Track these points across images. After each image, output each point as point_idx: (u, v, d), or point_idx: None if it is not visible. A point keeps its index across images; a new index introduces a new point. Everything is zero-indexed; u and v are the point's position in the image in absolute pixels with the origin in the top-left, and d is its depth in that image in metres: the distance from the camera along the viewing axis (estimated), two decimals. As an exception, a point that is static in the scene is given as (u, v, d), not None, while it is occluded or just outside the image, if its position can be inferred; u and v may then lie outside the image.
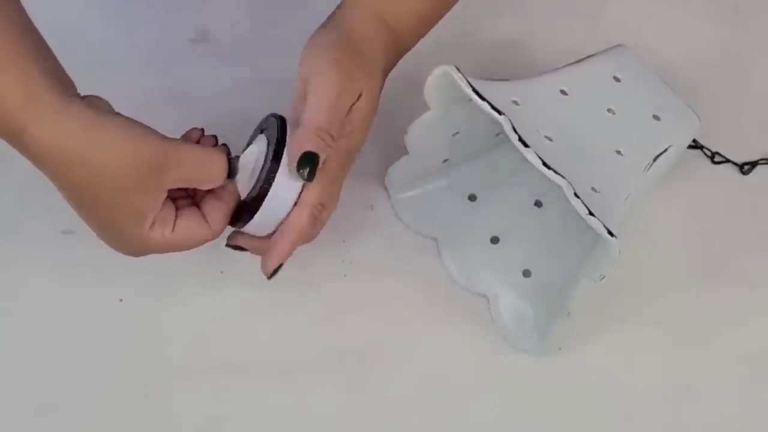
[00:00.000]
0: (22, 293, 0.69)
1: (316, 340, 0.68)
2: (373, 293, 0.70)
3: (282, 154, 0.61)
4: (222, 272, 0.70)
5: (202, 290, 0.70)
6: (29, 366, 0.67)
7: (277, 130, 0.62)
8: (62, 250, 0.71)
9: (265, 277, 0.68)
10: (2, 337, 0.68)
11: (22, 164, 0.73)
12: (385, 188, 0.73)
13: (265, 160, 0.61)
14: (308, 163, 0.60)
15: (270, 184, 0.61)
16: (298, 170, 0.60)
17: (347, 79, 0.62)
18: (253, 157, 0.63)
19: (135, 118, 0.73)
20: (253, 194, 0.61)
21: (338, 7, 0.68)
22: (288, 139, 0.61)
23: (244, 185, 0.63)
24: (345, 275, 0.70)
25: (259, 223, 0.63)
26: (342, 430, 0.66)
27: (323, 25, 0.66)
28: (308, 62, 0.63)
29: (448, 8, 0.69)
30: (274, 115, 0.63)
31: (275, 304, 0.69)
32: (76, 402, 0.66)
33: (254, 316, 0.69)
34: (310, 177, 0.60)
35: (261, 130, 0.64)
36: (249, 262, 0.69)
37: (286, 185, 0.61)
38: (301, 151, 0.60)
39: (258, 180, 0.61)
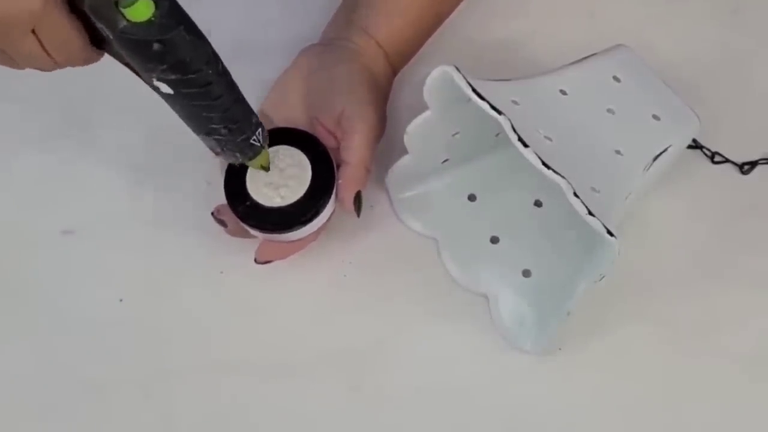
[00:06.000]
0: (22, 293, 0.69)
1: (316, 340, 0.68)
2: (373, 293, 0.70)
3: (333, 186, 0.66)
4: (222, 272, 0.70)
5: (202, 290, 0.70)
6: (29, 366, 0.67)
7: (326, 160, 0.66)
8: (62, 250, 0.71)
9: (264, 278, 0.69)
10: (2, 337, 0.68)
11: (22, 164, 0.74)
12: (385, 188, 0.73)
13: (319, 185, 0.65)
14: (359, 200, 0.67)
15: (322, 210, 0.65)
16: (355, 208, 0.66)
17: (382, 119, 0.68)
18: (290, 165, 0.65)
19: (134, 118, 0.74)
20: (305, 215, 0.65)
21: (344, 32, 0.69)
22: (338, 174, 0.66)
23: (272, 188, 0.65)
24: (345, 275, 0.70)
25: (283, 237, 0.66)
26: (342, 430, 0.66)
27: (338, 51, 0.69)
28: (348, 99, 0.67)
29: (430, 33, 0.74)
30: (309, 138, 0.66)
31: (275, 304, 0.69)
32: (76, 402, 0.66)
33: (254, 316, 0.69)
34: (360, 213, 0.67)
35: (276, 136, 0.66)
36: (249, 262, 0.69)
37: (326, 215, 0.66)
38: (355, 191, 0.66)
39: (305, 203, 0.65)
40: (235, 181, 0.65)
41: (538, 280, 0.69)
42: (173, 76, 0.54)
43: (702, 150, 0.75)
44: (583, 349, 0.68)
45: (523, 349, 0.68)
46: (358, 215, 0.67)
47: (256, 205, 0.65)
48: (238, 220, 0.66)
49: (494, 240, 0.72)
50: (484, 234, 0.72)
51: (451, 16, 0.75)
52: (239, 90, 0.57)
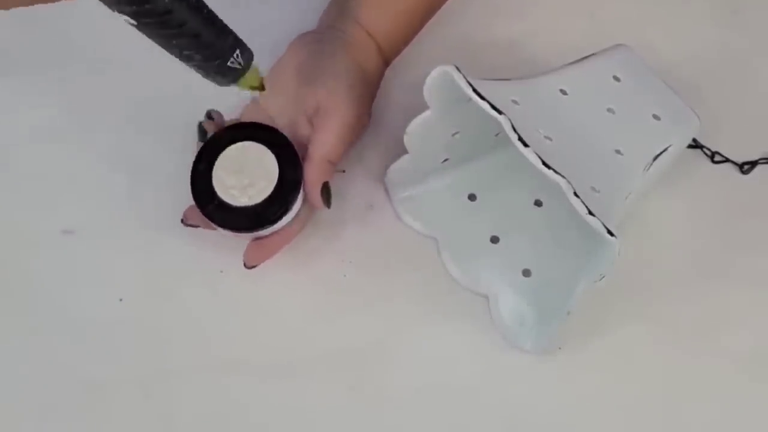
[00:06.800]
0: (22, 293, 0.69)
1: (316, 340, 0.68)
2: (373, 293, 0.70)
3: (300, 183, 0.66)
4: (222, 272, 0.70)
5: (202, 290, 0.70)
6: (29, 366, 0.67)
7: (292, 156, 0.66)
8: (62, 250, 0.71)
9: (264, 278, 0.69)
10: (2, 337, 0.68)
11: (22, 164, 0.74)
12: (385, 188, 0.73)
13: (286, 181, 0.65)
14: (327, 192, 0.67)
15: (291, 207, 0.65)
16: (324, 201, 0.66)
17: (361, 114, 0.68)
18: (256, 163, 0.65)
19: (134, 119, 0.74)
20: (274, 213, 0.65)
21: (337, 22, 0.69)
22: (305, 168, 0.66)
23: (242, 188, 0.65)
24: (345, 275, 0.70)
25: (253, 235, 0.66)
26: (342, 430, 0.66)
27: (329, 42, 0.69)
28: (327, 91, 0.67)
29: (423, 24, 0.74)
30: (275, 133, 0.66)
31: (275, 304, 0.69)
32: (76, 402, 0.66)
33: (254, 316, 0.69)
34: (330, 204, 0.67)
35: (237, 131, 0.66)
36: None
37: (295, 210, 0.66)
38: (319, 186, 0.66)
39: (273, 201, 0.65)
40: (201, 181, 0.65)
41: (538, 280, 0.69)
42: (129, 8, 0.53)
43: (702, 150, 0.75)
44: (583, 349, 0.68)
45: (523, 348, 0.68)
46: (328, 206, 0.67)
47: (224, 205, 0.65)
48: (206, 221, 0.66)
49: (494, 240, 0.72)
50: (484, 234, 0.72)
51: (452, 16, 0.75)
52: (210, 13, 0.56)
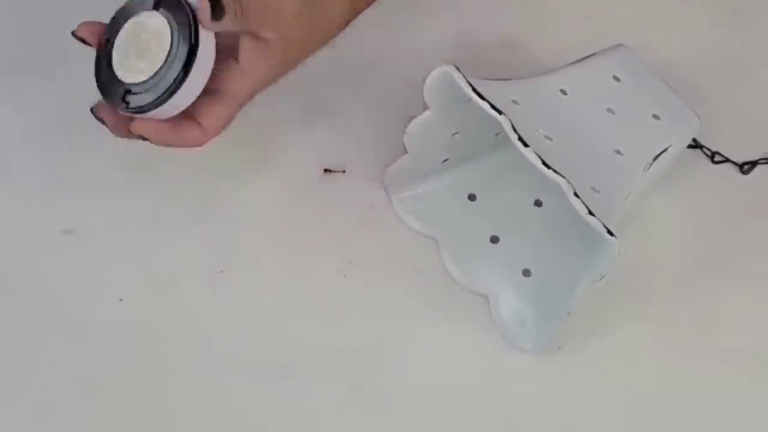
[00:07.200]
0: (22, 293, 0.69)
1: (316, 340, 0.68)
2: (373, 293, 0.70)
3: (197, 40, 0.62)
4: (222, 272, 0.70)
5: (202, 290, 0.70)
6: (29, 366, 0.67)
7: (186, 18, 0.62)
8: (62, 250, 0.71)
9: (265, 277, 0.69)
10: (2, 337, 0.68)
11: (22, 164, 0.74)
12: (385, 188, 0.73)
13: (182, 44, 0.62)
14: (220, 6, 0.61)
15: (190, 68, 0.62)
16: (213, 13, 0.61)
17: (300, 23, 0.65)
18: (148, 34, 0.63)
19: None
20: (174, 78, 0.62)
21: None
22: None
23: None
24: (345, 275, 0.70)
25: (165, 111, 0.63)
26: (342, 430, 0.66)
27: None
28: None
29: None
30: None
31: (275, 304, 0.69)
32: (76, 402, 0.66)
33: (254, 316, 0.69)
34: (219, 17, 0.61)
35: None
36: (249, 261, 0.69)
37: (199, 75, 0.62)
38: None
39: (171, 69, 0.62)
40: (104, 70, 0.64)
41: (538, 280, 0.69)
42: None
43: (702, 150, 0.75)
44: (583, 349, 0.68)
45: (523, 349, 0.68)
46: (217, 18, 0.61)
47: (128, 85, 0.63)
48: (116, 116, 0.64)
49: (494, 240, 0.72)
50: (484, 234, 0.72)
51: (452, 16, 0.75)
52: None
